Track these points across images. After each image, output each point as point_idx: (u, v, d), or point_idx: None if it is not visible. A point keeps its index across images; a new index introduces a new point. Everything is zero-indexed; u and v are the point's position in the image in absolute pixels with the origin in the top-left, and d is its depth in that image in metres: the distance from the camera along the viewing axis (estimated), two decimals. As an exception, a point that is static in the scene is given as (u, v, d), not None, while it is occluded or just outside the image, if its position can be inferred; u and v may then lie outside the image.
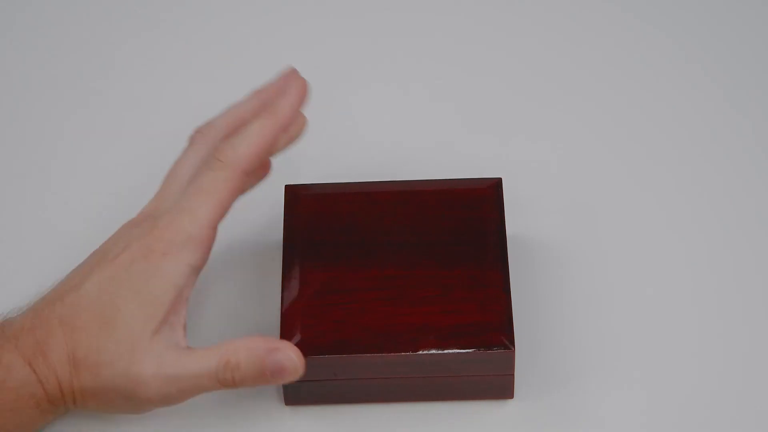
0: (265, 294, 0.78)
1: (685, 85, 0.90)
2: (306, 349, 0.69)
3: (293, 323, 0.71)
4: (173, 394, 0.68)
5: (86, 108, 0.90)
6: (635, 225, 0.82)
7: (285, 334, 0.71)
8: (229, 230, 0.76)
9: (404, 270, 0.73)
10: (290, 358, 0.67)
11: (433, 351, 0.70)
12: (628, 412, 0.74)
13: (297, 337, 0.71)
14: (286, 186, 0.77)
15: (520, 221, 0.81)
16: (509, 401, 0.74)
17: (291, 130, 0.72)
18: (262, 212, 0.81)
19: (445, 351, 0.70)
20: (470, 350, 0.70)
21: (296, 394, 0.73)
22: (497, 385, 0.73)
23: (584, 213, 0.83)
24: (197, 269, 0.69)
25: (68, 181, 0.86)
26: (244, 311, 0.78)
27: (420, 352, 0.70)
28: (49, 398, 0.69)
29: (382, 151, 0.85)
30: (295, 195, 0.76)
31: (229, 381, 0.68)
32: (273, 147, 0.71)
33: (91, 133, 0.88)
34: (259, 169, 0.73)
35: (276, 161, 0.75)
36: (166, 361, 0.68)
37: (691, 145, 0.86)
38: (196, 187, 0.69)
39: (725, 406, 0.74)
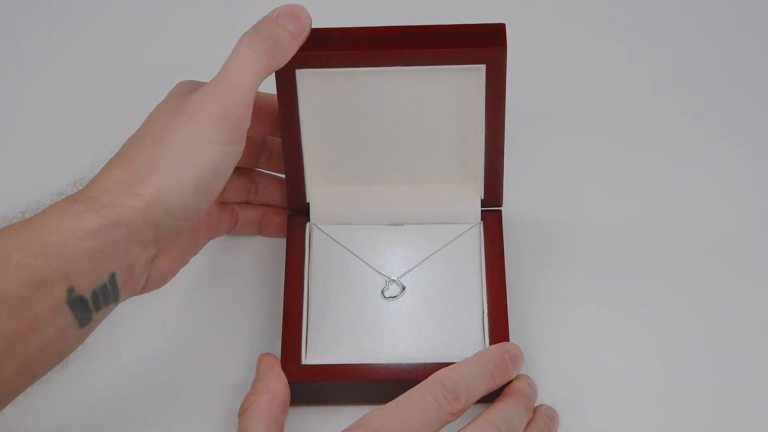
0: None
1: (683, 80, 0.90)
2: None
3: None
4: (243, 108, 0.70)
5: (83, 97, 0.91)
6: (631, 218, 0.83)
7: None
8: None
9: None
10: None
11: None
12: (625, 402, 0.75)
13: None
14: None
15: (517, 211, 0.83)
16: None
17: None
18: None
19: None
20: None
21: (296, 394, 0.74)
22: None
23: (583, 204, 0.84)
24: None
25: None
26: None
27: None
28: (105, 219, 0.65)
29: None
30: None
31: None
32: None
33: (91, 124, 0.89)
34: None
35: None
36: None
37: (681, 141, 0.87)
38: None
39: (723, 395, 0.75)
